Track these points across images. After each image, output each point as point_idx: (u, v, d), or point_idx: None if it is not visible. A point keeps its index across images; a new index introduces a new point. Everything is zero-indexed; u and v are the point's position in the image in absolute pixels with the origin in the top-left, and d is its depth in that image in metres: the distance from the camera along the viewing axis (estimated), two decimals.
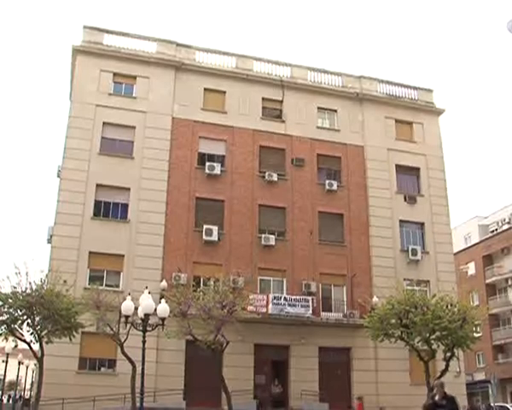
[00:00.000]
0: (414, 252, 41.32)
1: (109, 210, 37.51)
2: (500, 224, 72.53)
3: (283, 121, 42.23)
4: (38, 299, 29.54)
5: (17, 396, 56.89)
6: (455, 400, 12.99)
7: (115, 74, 40.09)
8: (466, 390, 41.06)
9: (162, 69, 40.79)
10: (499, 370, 54.76)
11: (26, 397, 53.76)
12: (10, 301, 29.86)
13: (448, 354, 31.52)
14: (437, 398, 12.90)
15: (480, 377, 61.03)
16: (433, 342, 31.29)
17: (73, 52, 39.95)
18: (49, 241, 37.44)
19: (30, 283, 30.24)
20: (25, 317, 30.28)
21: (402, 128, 45.32)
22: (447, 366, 31.43)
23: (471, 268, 69.42)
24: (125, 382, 29.33)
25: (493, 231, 72.50)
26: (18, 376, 53.29)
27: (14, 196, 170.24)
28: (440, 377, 31.51)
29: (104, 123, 38.65)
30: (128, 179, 37.65)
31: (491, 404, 43.13)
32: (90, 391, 31.06)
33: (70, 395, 30.86)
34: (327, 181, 41.21)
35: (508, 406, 47.08)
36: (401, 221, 42.49)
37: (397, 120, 45.30)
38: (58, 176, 38.36)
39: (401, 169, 43.98)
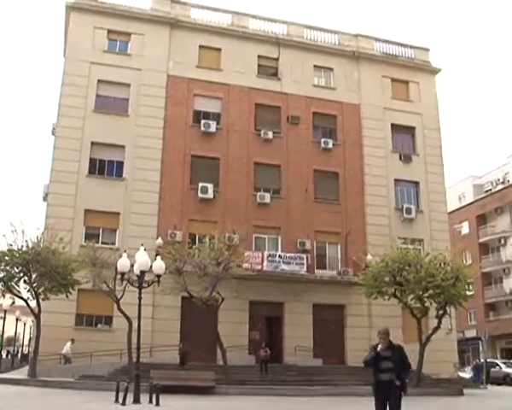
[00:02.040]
0: (408, 211, 41.52)
1: (104, 168, 37.50)
2: (494, 184, 72.72)
3: (279, 79, 42.02)
4: (35, 256, 29.83)
5: (16, 352, 57.42)
6: (402, 350, 10.50)
7: (110, 31, 39.72)
8: (457, 347, 41.66)
9: (157, 26, 40.39)
10: (490, 327, 55.33)
11: (25, 352, 54.32)
12: (7, 258, 30.16)
13: (440, 312, 31.97)
14: (380, 348, 10.38)
15: (471, 334, 61.78)
16: (425, 299, 31.72)
17: (67, 9, 39.53)
18: (45, 199, 37.54)
19: (26, 240, 30.54)
20: (21, 274, 30.64)
21: (398, 87, 45.15)
22: (439, 323, 31.91)
23: (465, 227, 69.79)
24: (122, 338, 29.68)
25: (487, 191, 72.71)
26: (16, 332, 53.87)
27: (9, 154, 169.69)
28: (432, 334, 32.12)
29: (99, 81, 38.40)
30: (123, 137, 37.56)
31: (481, 360, 43.70)
32: (87, 347, 31.43)
33: (67, 350, 31.16)
34: (322, 139, 41.20)
35: (497, 362, 47.75)
36: (396, 180, 42.59)
37: (393, 79, 45.10)
38: (53, 134, 38.22)
39: (397, 128, 43.94)
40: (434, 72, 46.92)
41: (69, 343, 32.24)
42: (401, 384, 10.02)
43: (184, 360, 31.12)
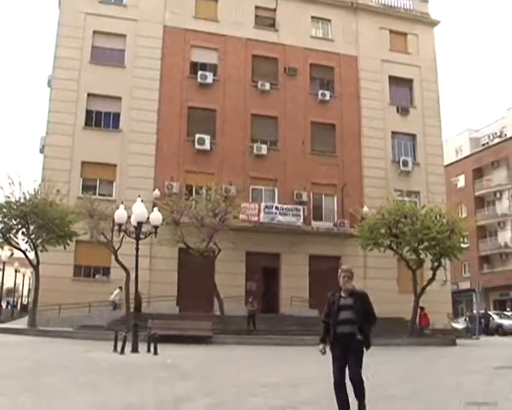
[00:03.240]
0: (405, 163, 41.56)
1: (101, 120, 37.37)
2: (491, 137, 72.63)
3: (276, 30, 41.62)
4: (32, 208, 29.94)
5: (15, 303, 57.94)
6: (366, 298, 8.39)
7: None
8: (451, 298, 42.17)
9: None
10: (484, 279, 55.87)
11: (24, 303, 54.81)
12: (4, 210, 30.26)
13: (435, 264, 32.25)
14: (341, 295, 8.33)
15: (465, 286, 62.38)
16: (421, 251, 31.96)
17: None
18: (42, 151, 37.47)
19: (23, 192, 30.60)
20: (19, 226, 30.79)
21: (396, 39, 44.76)
22: (434, 274, 32.23)
23: (461, 181, 69.87)
24: (117, 287, 30.01)
25: (484, 145, 72.67)
26: (15, 283, 54.26)
27: (5, 105, 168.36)
28: (427, 286, 32.43)
29: (94, 32, 38.00)
30: (119, 88, 37.33)
31: (474, 311, 44.30)
32: (85, 297, 31.75)
33: (66, 300, 31.52)
34: (320, 91, 40.99)
35: (490, 313, 48.39)
36: (393, 132, 42.53)
37: (391, 31, 44.69)
38: (49, 85, 38.00)
39: (394, 80, 43.67)
40: (433, 24, 46.48)
41: (117, 290, 32.63)
42: (363, 339, 8.07)
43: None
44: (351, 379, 7.97)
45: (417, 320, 33.07)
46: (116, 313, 31.47)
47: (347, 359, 8.03)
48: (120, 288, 31.88)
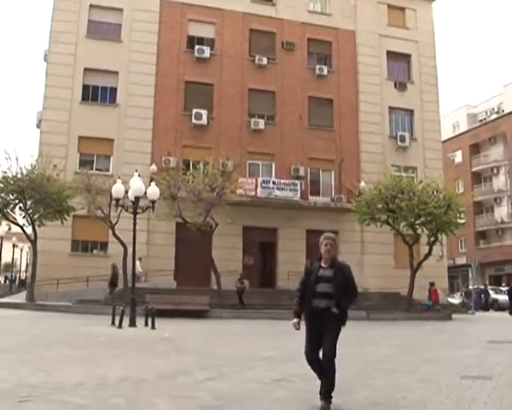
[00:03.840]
0: (402, 138, 41.54)
1: (98, 94, 37.29)
2: (489, 113, 72.47)
3: (274, 4, 41.32)
4: (29, 183, 29.97)
5: (13, 277, 58.07)
6: (348, 271, 7.52)
7: None
8: (447, 274, 42.37)
9: None
10: (480, 255, 56.05)
11: (22, 278, 54.97)
12: (1, 185, 30.32)
13: (432, 239, 32.41)
14: (321, 265, 7.50)
15: (461, 261, 62.58)
16: (417, 226, 32.09)
17: None
18: (38, 126, 37.41)
19: (20, 168, 30.61)
20: (17, 201, 30.84)
21: (394, 14, 44.49)
22: (430, 250, 32.39)
23: (458, 156, 69.83)
24: (117, 263, 30.08)
25: (481, 121, 72.50)
26: (13, 258, 54.37)
27: (1, 80, 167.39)
28: (423, 261, 32.58)
29: (91, 5, 37.76)
30: (116, 63, 37.16)
31: (470, 286, 44.55)
32: (83, 272, 31.87)
33: (64, 275, 31.67)
34: (317, 66, 40.84)
35: (479, 287, 48.60)
36: (390, 108, 42.46)
37: (389, 6, 44.38)
38: (45, 60, 37.79)
39: (392, 55, 43.50)
40: None
41: (137, 262, 32.84)
42: (340, 314, 7.21)
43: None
44: (323, 355, 7.25)
45: (427, 296, 33.44)
46: (120, 287, 31.50)
47: (322, 335, 7.25)
48: (140, 259, 32.28)
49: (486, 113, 73.08)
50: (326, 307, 7.20)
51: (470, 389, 8.70)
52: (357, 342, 16.94)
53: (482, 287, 45.17)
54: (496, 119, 68.64)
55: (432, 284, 34.17)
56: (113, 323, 20.03)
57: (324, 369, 7.24)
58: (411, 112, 43.18)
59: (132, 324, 20.23)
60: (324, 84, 40.78)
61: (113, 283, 29.73)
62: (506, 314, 37.50)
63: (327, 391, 7.17)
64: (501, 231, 65.24)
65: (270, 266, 37.81)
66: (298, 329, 7.47)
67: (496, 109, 71.12)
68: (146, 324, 20.25)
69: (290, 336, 19.51)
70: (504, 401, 7.67)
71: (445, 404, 7.50)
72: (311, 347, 7.34)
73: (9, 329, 18.92)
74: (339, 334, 7.35)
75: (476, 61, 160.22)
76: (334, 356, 7.22)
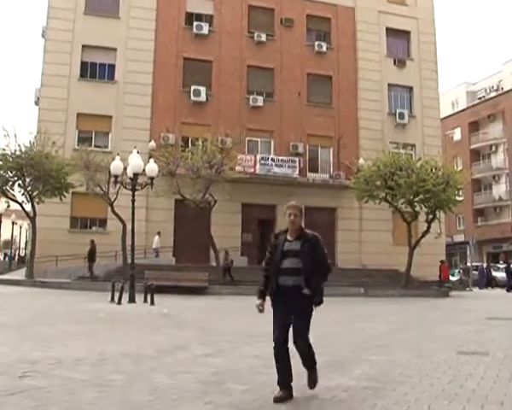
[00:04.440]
0: (401, 116, 41.47)
1: (96, 71, 37.15)
2: (488, 91, 72.29)
3: None
4: (28, 160, 29.97)
5: (13, 254, 58.20)
6: (318, 244, 6.68)
7: None
8: (445, 251, 42.52)
9: None
10: (478, 232, 56.29)
11: (22, 255, 55.09)
12: (0, 162, 30.26)
13: (430, 216, 32.50)
14: (287, 238, 6.67)
15: (459, 238, 62.72)
16: (416, 204, 32.18)
17: None
18: (37, 103, 37.29)
19: (19, 145, 30.61)
20: (15, 178, 30.88)
21: None
22: (429, 227, 32.50)
23: (457, 134, 69.71)
24: (116, 240, 30.21)
25: (481, 98, 72.35)
26: (12, 235, 54.45)
27: None
28: (421, 238, 32.71)
29: None
30: (114, 39, 36.95)
31: (468, 264, 44.74)
32: (82, 249, 31.82)
33: (63, 252, 31.73)
34: (316, 42, 40.66)
35: (484, 265, 48.82)
36: (389, 85, 42.34)
37: None
38: (43, 37, 37.58)
39: (391, 32, 43.27)
40: None
41: (156, 237, 32.98)
42: (312, 294, 6.41)
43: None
44: (295, 343, 6.53)
45: (438, 274, 33.84)
46: (111, 264, 31.64)
47: (292, 318, 6.48)
48: (158, 233, 32.44)
49: (486, 90, 72.90)
50: (294, 284, 6.40)
51: (467, 364, 8.79)
52: (354, 318, 17.07)
53: (485, 265, 45.20)
54: (495, 96, 68.52)
55: (442, 262, 34.45)
56: (112, 299, 20.13)
57: (303, 361, 6.65)
58: (410, 89, 43.05)
59: (131, 300, 20.34)
60: (323, 61, 40.62)
61: (91, 258, 30.04)
62: (504, 291, 37.72)
63: (310, 365, 6.72)
64: (499, 209, 65.41)
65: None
66: (261, 311, 6.63)
67: (495, 87, 70.97)
68: (145, 300, 20.37)
69: None
70: (500, 376, 7.75)
71: (442, 379, 7.57)
72: (281, 337, 6.45)
73: (9, 305, 19.03)
74: (311, 316, 6.58)
75: (476, 38, 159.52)
76: (308, 342, 6.58)
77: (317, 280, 6.55)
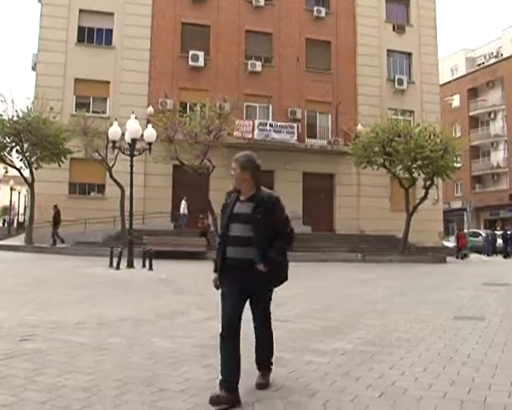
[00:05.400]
0: (400, 82, 41.25)
1: (93, 36, 36.83)
2: (487, 57, 71.83)
3: None
4: (26, 126, 29.92)
5: (12, 220, 58.23)
6: (276, 205, 5.54)
7: None
8: (442, 217, 42.67)
9: None
10: (475, 199, 56.36)
11: (21, 221, 55.15)
12: None
13: (428, 183, 32.55)
14: (239, 198, 5.50)
15: (456, 205, 62.87)
16: (414, 170, 32.20)
17: None
18: (34, 68, 37.01)
19: (16, 110, 30.51)
20: (13, 144, 30.83)
21: None
22: (426, 193, 32.56)
23: (456, 100, 69.35)
24: (115, 205, 30.26)
25: (480, 65, 71.93)
26: (11, 201, 54.48)
27: None
28: (419, 204, 32.81)
29: None
30: (112, 4, 36.52)
31: (465, 230, 44.87)
32: (81, 214, 31.95)
33: (62, 217, 31.75)
34: (315, 7, 40.24)
35: (480, 231, 48.94)
36: (388, 50, 42.02)
37: None
38: (39, 1, 37.08)
39: None
40: None
41: (183, 202, 33.11)
42: (269, 270, 5.18)
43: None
44: (255, 329, 5.59)
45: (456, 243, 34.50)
46: (109, 229, 31.70)
47: (250, 301, 5.41)
48: (184, 198, 32.60)
49: (485, 57, 72.45)
50: (244, 258, 5.16)
51: (463, 329, 8.89)
52: (352, 283, 17.19)
53: (490, 231, 45.02)
54: (495, 63, 68.09)
55: (459, 230, 34.67)
56: (110, 264, 20.25)
57: (262, 351, 5.58)
58: (409, 55, 42.74)
59: (130, 265, 20.45)
60: (322, 27, 40.26)
61: (55, 222, 30.22)
62: (500, 258, 37.89)
63: (265, 360, 5.63)
64: (497, 176, 65.45)
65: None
66: (217, 288, 5.42)
67: (495, 53, 70.52)
68: (143, 265, 20.48)
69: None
70: (495, 341, 7.84)
71: (438, 344, 7.67)
72: (231, 319, 5.08)
73: (9, 270, 19.13)
74: (271, 297, 5.60)
75: (476, 4, 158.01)
76: (269, 332, 5.63)
77: (276, 252, 5.28)
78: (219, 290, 5.36)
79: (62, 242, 30.12)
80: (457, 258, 35.21)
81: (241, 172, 5.40)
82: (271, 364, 5.64)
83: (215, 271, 5.46)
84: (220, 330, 5.11)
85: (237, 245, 5.22)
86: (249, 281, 5.18)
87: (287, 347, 7.22)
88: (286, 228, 5.47)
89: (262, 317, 5.53)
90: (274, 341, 5.69)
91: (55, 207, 30.36)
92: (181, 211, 33.73)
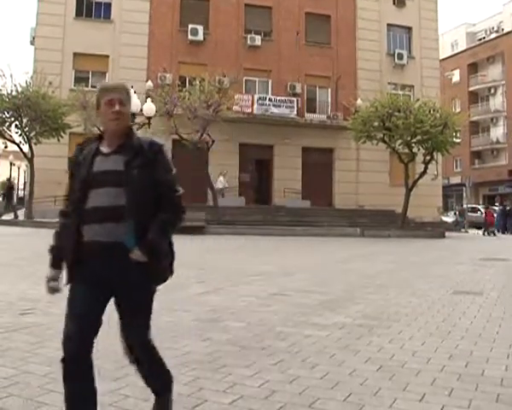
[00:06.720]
0: (400, 56, 41.09)
1: (92, 10, 36.69)
2: (488, 32, 71.48)
3: None
4: (25, 101, 29.87)
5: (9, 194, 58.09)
6: (158, 157, 3.41)
7: None
8: (442, 192, 42.71)
9: None
10: (475, 174, 56.39)
11: (21, 196, 55.08)
12: None
13: (427, 158, 32.53)
14: (101, 150, 3.32)
15: (456, 180, 62.91)
16: (413, 145, 32.18)
17: None
18: (32, 42, 36.88)
19: (15, 85, 30.41)
20: (12, 119, 30.77)
21: None
22: (426, 168, 32.55)
23: (456, 75, 69.18)
24: None
25: (480, 40, 71.57)
26: (10, 176, 54.38)
27: None
28: (418, 179, 32.80)
29: None
30: None
31: (464, 205, 44.95)
32: None
33: (61, 192, 31.63)
34: None
35: (479, 207, 49.03)
36: (389, 25, 41.83)
37: None
38: None
39: None
40: None
41: (221, 177, 33.13)
42: (150, 261, 3.26)
43: None
44: (131, 347, 3.62)
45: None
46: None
47: (118, 307, 3.49)
48: (224, 173, 32.61)
49: (486, 32, 72.12)
50: (113, 241, 3.24)
51: (461, 303, 8.93)
52: (350, 258, 17.23)
53: (503, 207, 44.47)
54: (495, 38, 67.78)
55: (487, 207, 34.89)
56: None
57: (139, 369, 3.68)
58: (409, 29, 42.55)
59: None
60: (322, 0, 39.96)
61: (8, 196, 30.17)
62: (499, 233, 38.02)
63: (158, 389, 3.70)
64: (496, 152, 65.45)
65: (266, 183, 37.98)
66: (56, 290, 3.70)
67: (495, 28, 70.13)
68: None
69: (286, 252, 19.81)
70: (493, 316, 7.89)
71: (436, 318, 7.71)
72: (79, 329, 3.36)
73: (9, 245, 19.18)
74: (152, 301, 3.68)
75: None
76: (149, 346, 3.66)
77: (160, 231, 3.37)
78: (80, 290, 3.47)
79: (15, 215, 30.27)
80: (484, 234, 36.48)
81: (128, 106, 3.48)
82: (168, 386, 3.71)
83: (52, 264, 3.70)
84: (63, 350, 3.34)
85: (101, 221, 3.24)
86: (119, 276, 3.31)
87: (286, 320, 7.25)
88: (173, 193, 3.55)
89: (138, 332, 3.59)
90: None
91: (8, 180, 30.20)
92: (219, 186, 33.62)
